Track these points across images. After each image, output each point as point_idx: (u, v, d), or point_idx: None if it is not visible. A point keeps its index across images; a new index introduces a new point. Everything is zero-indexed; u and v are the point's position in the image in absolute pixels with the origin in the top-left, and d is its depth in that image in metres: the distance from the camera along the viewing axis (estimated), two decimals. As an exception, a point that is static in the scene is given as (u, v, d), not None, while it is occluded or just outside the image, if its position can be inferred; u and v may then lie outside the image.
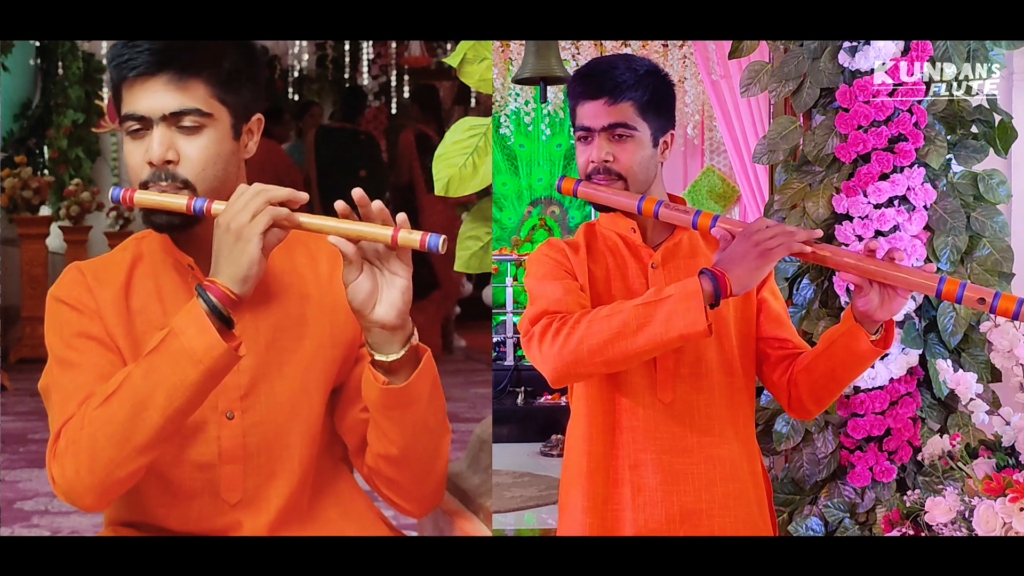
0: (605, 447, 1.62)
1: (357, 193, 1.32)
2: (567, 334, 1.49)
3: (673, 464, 1.60)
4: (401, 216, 1.32)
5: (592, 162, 1.62)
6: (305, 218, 1.33)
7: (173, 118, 1.36)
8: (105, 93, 7.76)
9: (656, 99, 1.63)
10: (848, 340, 1.52)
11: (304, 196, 1.32)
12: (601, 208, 1.66)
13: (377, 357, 1.37)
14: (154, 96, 1.35)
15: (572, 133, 1.69)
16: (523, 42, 6.38)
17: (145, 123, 1.36)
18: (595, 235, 1.70)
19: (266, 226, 1.28)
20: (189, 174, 1.37)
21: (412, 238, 1.31)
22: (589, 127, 1.61)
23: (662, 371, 1.60)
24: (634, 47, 7.04)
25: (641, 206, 1.58)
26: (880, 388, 2.73)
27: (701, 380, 1.61)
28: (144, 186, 1.37)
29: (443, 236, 1.30)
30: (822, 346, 1.57)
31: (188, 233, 1.42)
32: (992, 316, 2.23)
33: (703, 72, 5.22)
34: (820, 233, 1.50)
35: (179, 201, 1.35)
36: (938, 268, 2.74)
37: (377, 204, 1.32)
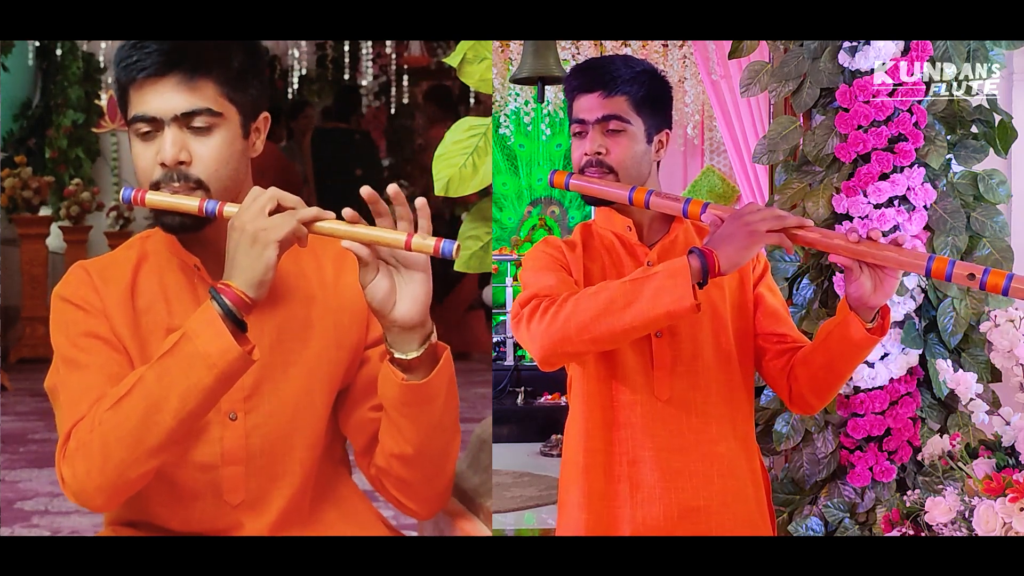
0: (603, 444, 1.62)
1: (366, 191, 1.31)
2: (555, 312, 1.49)
3: (671, 461, 1.60)
4: (407, 220, 1.32)
5: (586, 155, 1.63)
6: (321, 224, 1.31)
7: (184, 119, 1.35)
8: (104, 93, 7.76)
9: (651, 96, 1.64)
10: (843, 329, 1.51)
11: (330, 214, 1.31)
12: (593, 201, 1.67)
13: (396, 355, 1.37)
14: (164, 97, 1.34)
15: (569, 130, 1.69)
16: (523, 42, 6.38)
17: (156, 124, 1.35)
18: (591, 234, 1.71)
19: (286, 235, 1.27)
20: (202, 174, 1.36)
21: (426, 244, 1.29)
22: (584, 119, 1.63)
23: (659, 368, 1.60)
24: (634, 47, 7.04)
25: (632, 196, 1.58)
26: (880, 388, 2.73)
27: (698, 377, 1.61)
28: (156, 187, 1.36)
29: (457, 242, 1.28)
30: (819, 339, 1.57)
31: (195, 234, 1.41)
32: (993, 316, 2.23)
33: (703, 72, 5.22)
34: (810, 223, 1.49)
35: (191, 203, 1.34)
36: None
37: (392, 188, 1.30)
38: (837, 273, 2.79)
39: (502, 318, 7.84)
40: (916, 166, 2.69)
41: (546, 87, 5.80)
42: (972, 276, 1.37)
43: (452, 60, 2.14)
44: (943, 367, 2.15)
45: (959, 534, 1.80)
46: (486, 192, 2.12)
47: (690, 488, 1.59)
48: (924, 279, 2.73)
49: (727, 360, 1.64)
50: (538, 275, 1.61)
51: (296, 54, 8.16)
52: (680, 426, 1.60)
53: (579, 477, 1.62)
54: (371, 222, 1.34)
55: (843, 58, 2.71)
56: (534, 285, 1.58)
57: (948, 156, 2.72)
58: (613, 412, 1.62)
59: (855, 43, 2.68)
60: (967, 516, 1.80)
